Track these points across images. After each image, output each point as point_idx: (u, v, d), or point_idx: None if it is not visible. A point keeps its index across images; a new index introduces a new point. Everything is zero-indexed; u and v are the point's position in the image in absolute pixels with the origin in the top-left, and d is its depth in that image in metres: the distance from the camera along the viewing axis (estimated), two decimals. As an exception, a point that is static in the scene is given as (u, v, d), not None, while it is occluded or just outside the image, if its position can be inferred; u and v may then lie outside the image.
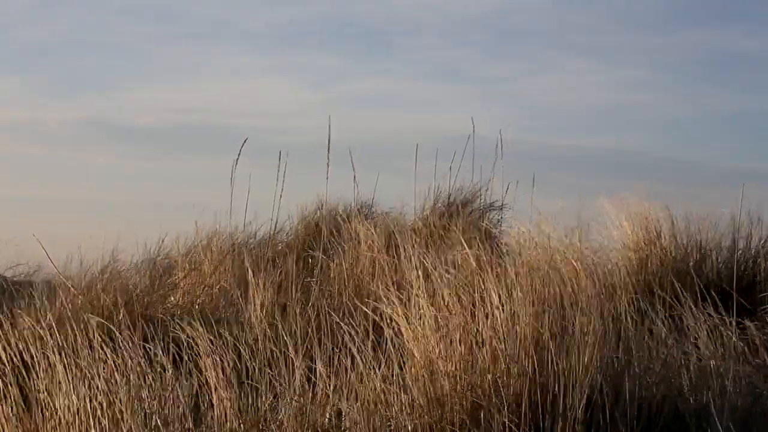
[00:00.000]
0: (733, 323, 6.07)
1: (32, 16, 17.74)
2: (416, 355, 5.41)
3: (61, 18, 18.10)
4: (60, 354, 4.95)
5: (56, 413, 4.83)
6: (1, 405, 4.95)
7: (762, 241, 8.22)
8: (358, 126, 17.43)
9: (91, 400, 4.77)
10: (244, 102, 18.17)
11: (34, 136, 17.64)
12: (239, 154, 9.11)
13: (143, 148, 17.58)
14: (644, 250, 8.11)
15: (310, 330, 5.71)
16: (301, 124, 18.18)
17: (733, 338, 5.83)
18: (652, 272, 7.95)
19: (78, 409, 4.79)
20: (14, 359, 5.18)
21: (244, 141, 9.18)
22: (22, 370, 5.09)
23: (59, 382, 4.86)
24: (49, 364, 4.95)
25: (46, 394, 4.90)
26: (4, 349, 5.26)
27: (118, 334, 5.09)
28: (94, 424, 4.75)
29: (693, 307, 6.05)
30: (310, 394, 5.17)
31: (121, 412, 4.74)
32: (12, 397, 4.95)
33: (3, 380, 5.00)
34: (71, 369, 4.88)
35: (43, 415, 4.88)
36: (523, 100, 17.90)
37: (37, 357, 5.04)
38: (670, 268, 7.93)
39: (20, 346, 5.21)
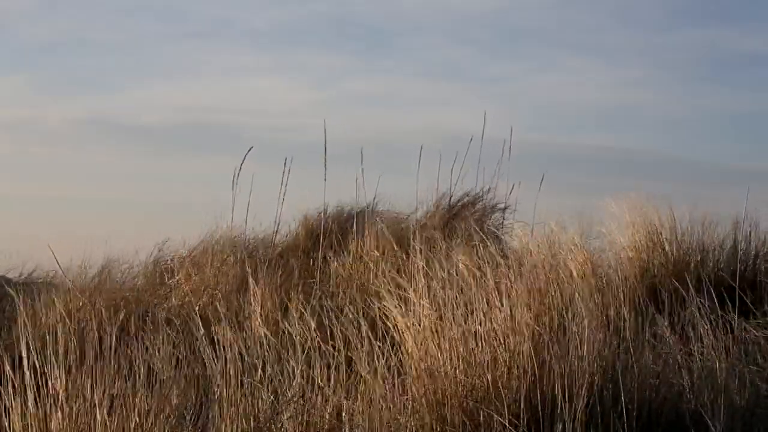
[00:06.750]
0: (735, 323, 6.06)
1: (33, 14, 17.75)
2: (416, 355, 5.40)
3: (62, 17, 18.11)
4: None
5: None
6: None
7: (763, 241, 8.22)
8: (360, 125, 17.41)
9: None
10: (246, 101, 18.14)
11: (35, 135, 17.63)
12: (243, 161, 9.04)
13: (144, 147, 17.53)
14: (646, 250, 8.10)
15: (311, 330, 5.71)
16: (303, 123, 18.15)
17: (735, 338, 5.82)
18: (654, 272, 7.95)
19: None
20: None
21: (249, 149, 9.12)
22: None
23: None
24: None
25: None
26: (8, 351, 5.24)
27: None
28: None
29: (694, 307, 6.04)
30: (311, 395, 5.17)
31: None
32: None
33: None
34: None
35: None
36: (523, 99, 17.88)
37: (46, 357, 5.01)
38: (671, 267, 7.93)
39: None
